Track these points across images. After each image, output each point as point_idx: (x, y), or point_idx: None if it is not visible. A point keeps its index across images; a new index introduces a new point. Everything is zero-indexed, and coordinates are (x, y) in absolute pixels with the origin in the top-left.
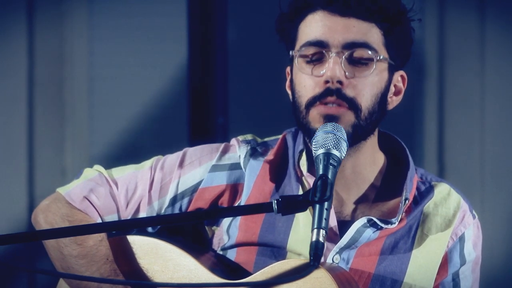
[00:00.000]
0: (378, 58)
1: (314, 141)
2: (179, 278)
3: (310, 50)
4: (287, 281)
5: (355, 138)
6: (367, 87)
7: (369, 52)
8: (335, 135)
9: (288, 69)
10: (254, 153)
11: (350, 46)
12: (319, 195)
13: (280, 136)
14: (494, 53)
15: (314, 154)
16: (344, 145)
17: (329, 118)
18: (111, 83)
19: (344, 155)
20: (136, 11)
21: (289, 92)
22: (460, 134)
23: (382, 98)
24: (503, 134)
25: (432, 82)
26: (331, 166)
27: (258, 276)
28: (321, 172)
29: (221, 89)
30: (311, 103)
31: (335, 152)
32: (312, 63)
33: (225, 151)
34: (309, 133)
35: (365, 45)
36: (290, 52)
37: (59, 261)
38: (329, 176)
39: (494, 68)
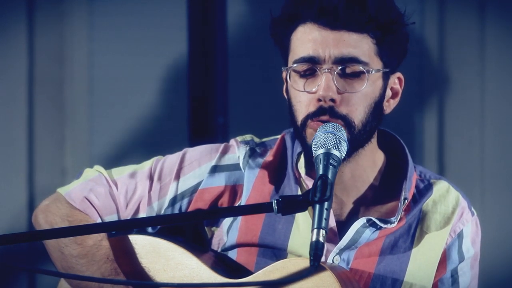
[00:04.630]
0: (370, 71)
1: (314, 141)
2: (181, 277)
3: (303, 66)
4: (290, 281)
5: (351, 150)
6: (360, 100)
7: (361, 67)
8: (335, 135)
9: (284, 75)
10: (253, 154)
11: (341, 61)
12: (319, 195)
13: (279, 137)
14: (494, 53)
15: (314, 154)
16: (344, 145)
17: None
18: (111, 83)
19: (344, 155)
20: (136, 11)
21: (287, 98)
22: (460, 134)
23: (377, 107)
24: (503, 134)
25: (432, 82)
26: (331, 166)
27: (260, 275)
28: (321, 172)
29: (221, 89)
30: (306, 121)
31: (335, 152)
32: (305, 78)
33: (224, 152)
34: (306, 148)
35: (356, 60)
36: (284, 67)
37: (60, 261)
38: (329, 176)
39: (494, 68)
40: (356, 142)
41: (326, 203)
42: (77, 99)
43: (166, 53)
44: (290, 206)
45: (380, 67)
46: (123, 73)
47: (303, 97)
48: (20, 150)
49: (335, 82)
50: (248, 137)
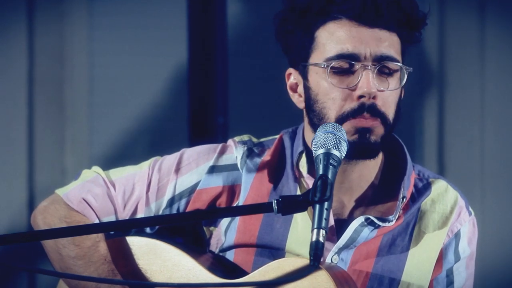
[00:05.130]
0: (405, 69)
1: (314, 141)
2: (178, 278)
3: (341, 63)
4: (287, 281)
5: (382, 147)
6: (393, 98)
7: (397, 64)
8: (335, 135)
9: (290, 71)
10: (250, 153)
11: (380, 59)
12: (319, 195)
13: (277, 137)
14: (494, 53)
15: (314, 154)
16: (344, 145)
17: (363, 131)
18: (111, 83)
19: (344, 155)
20: (136, 11)
21: (295, 96)
22: (460, 134)
23: (399, 105)
24: (503, 134)
25: (432, 82)
26: (331, 166)
27: (256, 275)
28: (321, 172)
29: (221, 89)
30: (344, 118)
31: (335, 152)
32: (339, 74)
33: (222, 152)
34: None
35: (393, 58)
36: (305, 62)
37: (58, 262)
38: (329, 176)
39: (494, 68)
40: (387, 139)
41: (326, 203)
42: (77, 99)
43: (166, 53)
44: (290, 206)
45: (406, 65)
46: (123, 73)
47: (336, 94)
48: (20, 150)
49: (374, 80)
50: (245, 137)
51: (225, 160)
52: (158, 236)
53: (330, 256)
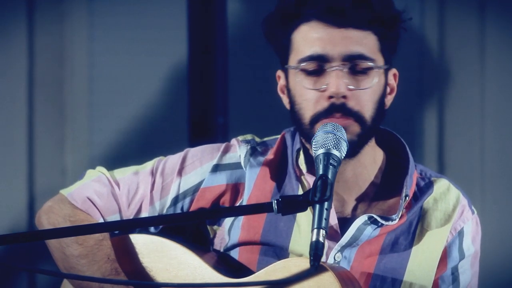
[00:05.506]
0: (377, 67)
1: (314, 141)
2: (183, 276)
3: (310, 65)
4: (292, 281)
5: (360, 146)
6: (369, 96)
7: (369, 63)
8: (335, 135)
9: (279, 73)
10: (254, 152)
11: (350, 58)
12: (319, 195)
13: (279, 136)
14: (494, 53)
15: (314, 154)
16: (344, 145)
17: None
18: (111, 83)
19: (344, 155)
20: (136, 11)
21: (284, 97)
22: (460, 134)
23: (381, 102)
24: (503, 134)
25: (432, 82)
26: (331, 166)
27: (261, 274)
28: (321, 172)
29: (221, 89)
30: (316, 119)
31: (335, 152)
32: (311, 76)
33: (225, 151)
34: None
35: (364, 57)
36: (286, 64)
37: (62, 262)
38: (329, 176)
39: (494, 68)
40: (366, 138)
41: (326, 203)
42: (77, 99)
43: (166, 53)
44: (290, 206)
45: (383, 63)
46: (123, 73)
47: (310, 95)
48: (20, 150)
49: (345, 79)
50: (249, 136)
51: (229, 158)
52: (163, 235)
53: (333, 254)
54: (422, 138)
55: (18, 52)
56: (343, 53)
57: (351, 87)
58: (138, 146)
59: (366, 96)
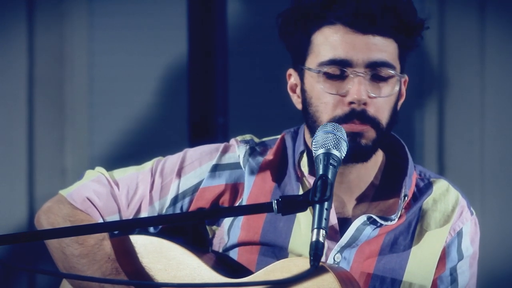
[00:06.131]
0: (398, 75)
1: (314, 141)
2: (182, 276)
3: (332, 69)
4: (292, 281)
5: (374, 151)
6: (386, 103)
7: (391, 71)
8: (335, 135)
9: (290, 72)
10: (253, 152)
11: (373, 65)
12: (319, 195)
13: (279, 137)
14: (494, 53)
15: (314, 154)
16: (344, 145)
17: (354, 136)
18: (111, 83)
19: (344, 155)
20: (136, 11)
21: (294, 96)
22: (460, 134)
23: (395, 109)
24: (503, 134)
25: (432, 82)
26: (331, 166)
27: (260, 275)
28: (321, 172)
29: (221, 89)
30: (335, 122)
31: (335, 152)
32: (332, 79)
33: (224, 151)
34: None
35: (387, 64)
36: (302, 65)
37: (62, 261)
38: (329, 176)
39: (494, 68)
40: (380, 143)
41: (326, 203)
42: (77, 99)
43: (166, 53)
44: (290, 206)
45: (400, 70)
46: (123, 73)
47: (329, 99)
48: (20, 150)
49: (366, 86)
50: (247, 136)
51: (228, 158)
52: (162, 236)
53: (333, 254)
54: (422, 138)
55: (18, 52)
56: (366, 60)
57: (373, 94)
58: (138, 146)
59: (384, 103)
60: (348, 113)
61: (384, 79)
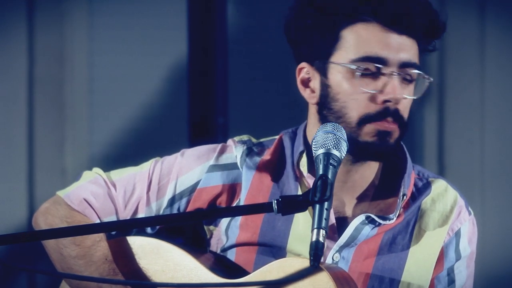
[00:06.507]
0: (424, 77)
1: (314, 141)
2: (180, 277)
3: (367, 65)
4: (288, 281)
5: (395, 151)
6: (409, 105)
7: (419, 72)
8: (335, 135)
9: (303, 66)
10: (250, 153)
11: (404, 65)
12: (319, 195)
13: (277, 137)
14: (494, 53)
15: (314, 154)
16: (344, 145)
17: (384, 134)
18: (111, 83)
19: (344, 155)
20: (136, 11)
21: (307, 91)
22: (460, 134)
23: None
24: (503, 134)
25: (432, 82)
26: (331, 166)
27: (257, 275)
28: (321, 172)
29: (221, 89)
30: (367, 119)
31: (335, 152)
32: (366, 77)
33: (222, 152)
34: (357, 144)
35: (415, 65)
36: (325, 59)
37: (59, 262)
38: (329, 176)
39: (494, 68)
40: (399, 143)
41: (326, 203)
42: (77, 99)
43: (166, 53)
44: (290, 206)
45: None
46: (123, 73)
47: (361, 96)
48: (20, 150)
49: (399, 86)
50: (245, 137)
51: (225, 159)
52: (159, 236)
53: (332, 254)
54: (422, 138)
55: (18, 52)
56: (400, 60)
57: (404, 95)
58: (138, 146)
59: (407, 104)
60: (382, 111)
61: (412, 80)
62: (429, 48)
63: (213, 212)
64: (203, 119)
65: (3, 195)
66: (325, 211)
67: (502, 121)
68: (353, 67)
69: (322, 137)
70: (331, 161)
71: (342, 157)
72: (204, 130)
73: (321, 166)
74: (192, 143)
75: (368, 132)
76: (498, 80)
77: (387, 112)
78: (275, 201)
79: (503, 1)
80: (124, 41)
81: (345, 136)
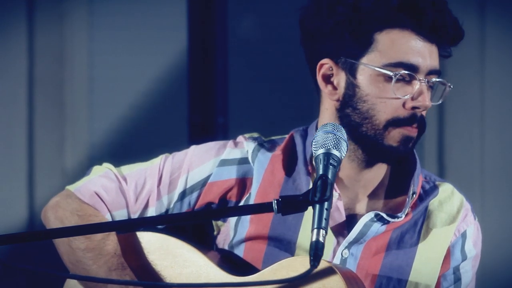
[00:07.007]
0: (445, 83)
1: (314, 141)
2: (188, 274)
3: (400, 71)
4: (295, 279)
5: (408, 154)
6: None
7: (442, 80)
8: (335, 135)
9: (326, 61)
10: (261, 148)
11: (432, 73)
12: (319, 195)
13: (287, 136)
14: (494, 53)
15: (314, 154)
16: (344, 145)
17: (408, 140)
18: (111, 83)
19: (344, 155)
20: (136, 11)
21: (330, 88)
22: (460, 134)
23: None
24: (503, 134)
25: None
26: (331, 166)
27: (266, 273)
28: (321, 172)
29: (221, 89)
30: (394, 123)
31: (335, 152)
32: (400, 82)
33: (233, 147)
34: (381, 147)
35: (440, 73)
36: (359, 61)
37: (68, 255)
38: (329, 176)
39: (494, 68)
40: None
41: (326, 203)
42: (77, 99)
43: (166, 53)
44: (290, 206)
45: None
46: (123, 73)
47: (393, 99)
48: (20, 150)
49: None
50: (255, 134)
51: (236, 153)
52: (169, 232)
53: (341, 250)
54: (422, 139)
55: (18, 52)
56: (429, 68)
57: (432, 102)
58: (138, 146)
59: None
60: (410, 117)
61: (432, 86)
62: (445, 54)
63: (214, 212)
64: (203, 119)
65: (3, 195)
66: (325, 211)
67: (502, 121)
68: (390, 72)
69: (322, 137)
70: (331, 161)
71: (342, 157)
72: (204, 130)
73: (321, 166)
74: (192, 143)
75: (394, 136)
76: (498, 80)
77: (415, 118)
78: (275, 201)
79: (503, 1)
80: (124, 41)
81: (345, 136)
